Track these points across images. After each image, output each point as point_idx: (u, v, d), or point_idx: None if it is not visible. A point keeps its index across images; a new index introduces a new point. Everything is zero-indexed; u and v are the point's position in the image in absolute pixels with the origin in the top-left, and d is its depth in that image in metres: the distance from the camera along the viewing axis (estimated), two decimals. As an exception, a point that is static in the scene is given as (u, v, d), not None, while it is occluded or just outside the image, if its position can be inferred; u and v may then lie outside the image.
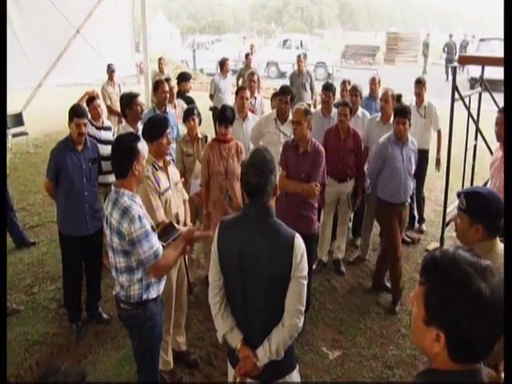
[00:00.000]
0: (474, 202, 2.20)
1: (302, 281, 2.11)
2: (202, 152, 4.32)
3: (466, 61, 6.79)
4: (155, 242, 2.59)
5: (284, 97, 4.75)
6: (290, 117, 4.72)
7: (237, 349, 2.21)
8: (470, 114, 5.66)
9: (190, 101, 6.40)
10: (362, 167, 5.04)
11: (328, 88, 5.56)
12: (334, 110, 5.46)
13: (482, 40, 18.31)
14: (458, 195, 2.28)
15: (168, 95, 5.29)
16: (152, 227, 2.64)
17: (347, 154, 4.88)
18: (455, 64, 7.32)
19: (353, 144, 4.89)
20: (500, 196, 2.22)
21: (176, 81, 6.97)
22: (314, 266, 4.96)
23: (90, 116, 5.07)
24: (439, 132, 5.87)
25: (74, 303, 4.15)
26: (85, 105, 5.07)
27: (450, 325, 1.16)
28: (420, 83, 5.89)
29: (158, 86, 5.36)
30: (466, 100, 5.70)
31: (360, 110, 5.60)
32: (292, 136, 4.37)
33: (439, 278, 1.19)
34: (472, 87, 14.25)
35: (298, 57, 9.09)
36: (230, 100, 8.09)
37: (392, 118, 4.75)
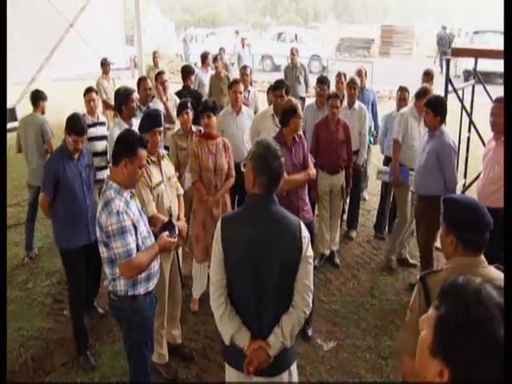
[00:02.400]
0: (449, 209, 2.01)
1: (310, 260, 2.22)
2: (190, 148, 4.25)
3: (459, 53, 6.78)
4: (131, 241, 2.58)
5: (278, 91, 4.69)
6: None
7: (246, 346, 2.19)
8: (463, 106, 5.68)
9: (197, 95, 6.28)
10: (351, 157, 5.08)
11: (323, 81, 5.56)
12: (358, 103, 5.54)
13: (475, 32, 18.27)
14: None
15: (150, 92, 5.31)
16: (133, 224, 2.63)
17: (340, 145, 4.90)
18: (448, 56, 7.33)
19: (344, 135, 4.92)
20: (481, 207, 1.99)
21: (180, 75, 6.94)
22: (316, 261, 4.92)
23: (85, 110, 5.07)
24: None
25: (85, 329, 3.85)
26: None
27: (458, 366, 1.00)
28: (428, 75, 5.93)
29: (139, 83, 5.36)
30: (460, 92, 5.72)
31: (357, 103, 5.62)
32: None
33: (457, 307, 1.03)
34: (466, 79, 14.27)
35: (291, 50, 9.12)
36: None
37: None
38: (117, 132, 4.16)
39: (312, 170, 4.00)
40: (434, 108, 4.14)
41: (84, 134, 3.77)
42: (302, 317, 2.21)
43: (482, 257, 1.94)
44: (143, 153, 2.70)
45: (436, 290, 1.84)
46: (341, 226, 5.66)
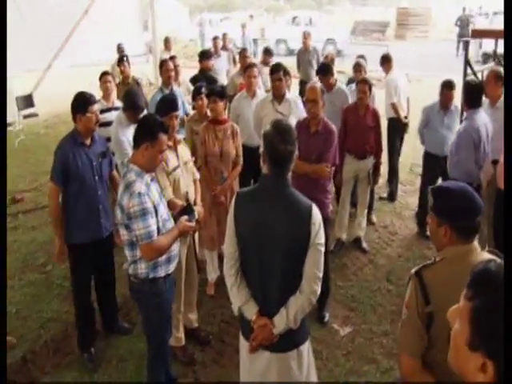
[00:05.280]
0: (440, 199, 1.90)
1: (320, 248, 2.17)
2: (199, 133, 4.16)
3: (479, 35, 6.63)
4: (152, 223, 2.59)
5: (276, 74, 4.54)
6: (287, 95, 4.66)
7: (252, 320, 2.24)
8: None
9: (212, 80, 6.24)
10: (381, 144, 5.03)
11: (320, 72, 5.42)
12: (338, 86, 5.36)
13: (495, 13, 17.85)
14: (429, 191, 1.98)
15: (173, 74, 5.27)
16: (154, 207, 2.63)
17: (367, 130, 4.86)
18: (468, 38, 7.17)
19: (372, 121, 4.87)
20: (471, 192, 1.88)
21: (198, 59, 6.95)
22: (332, 246, 4.90)
23: (100, 95, 5.06)
24: (392, 104, 5.93)
25: (89, 324, 3.69)
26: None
27: (501, 355, 0.95)
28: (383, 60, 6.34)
29: (162, 65, 5.34)
30: (479, 75, 5.61)
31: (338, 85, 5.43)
32: (290, 115, 4.33)
33: (495, 296, 0.98)
34: (485, 62, 13.97)
35: (304, 34, 9.04)
36: (224, 79, 7.94)
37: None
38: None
39: (320, 167, 3.70)
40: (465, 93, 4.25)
41: (95, 103, 3.46)
42: (307, 303, 2.20)
43: (475, 243, 1.85)
44: (164, 137, 2.70)
45: (433, 284, 1.80)
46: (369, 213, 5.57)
